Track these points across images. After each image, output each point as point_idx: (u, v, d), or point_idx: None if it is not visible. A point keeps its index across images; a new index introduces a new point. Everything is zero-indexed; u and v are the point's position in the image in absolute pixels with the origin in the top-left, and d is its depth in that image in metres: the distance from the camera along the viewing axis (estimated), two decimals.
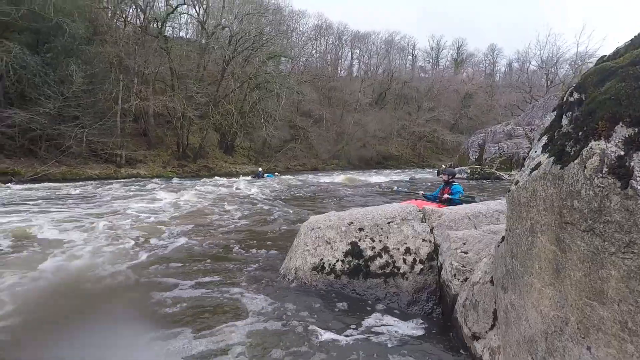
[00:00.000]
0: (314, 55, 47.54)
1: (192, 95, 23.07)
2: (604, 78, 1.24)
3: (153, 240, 4.82)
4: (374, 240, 3.14)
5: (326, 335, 2.32)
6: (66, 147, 17.19)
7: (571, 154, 1.23)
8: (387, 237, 3.15)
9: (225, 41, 26.12)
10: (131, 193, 11.22)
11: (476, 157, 23.97)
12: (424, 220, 3.32)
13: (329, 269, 3.09)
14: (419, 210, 3.44)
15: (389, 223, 3.24)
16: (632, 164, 1.02)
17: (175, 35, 29.63)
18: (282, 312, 2.66)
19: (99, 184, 14.68)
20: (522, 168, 1.58)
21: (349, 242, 3.17)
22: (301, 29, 44.11)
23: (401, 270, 2.97)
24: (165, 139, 24.31)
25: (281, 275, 3.33)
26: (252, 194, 11.27)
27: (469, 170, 19.74)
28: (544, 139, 1.48)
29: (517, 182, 1.56)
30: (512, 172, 18.91)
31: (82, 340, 2.23)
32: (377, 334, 2.37)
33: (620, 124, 1.09)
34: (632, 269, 0.99)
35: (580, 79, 1.40)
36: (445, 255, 2.76)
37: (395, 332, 2.41)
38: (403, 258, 3.02)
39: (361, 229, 3.23)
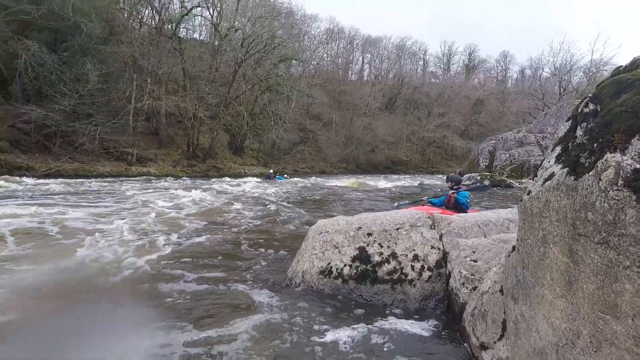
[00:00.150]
0: (325, 58, 47.79)
1: (203, 96, 23.37)
2: (620, 90, 1.23)
3: (173, 236, 5.07)
4: (382, 246, 3.13)
5: (330, 338, 2.32)
6: (79, 144, 17.56)
7: (586, 165, 1.22)
8: (396, 243, 3.14)
9: (238, 43, 26.39)
10: (150, 190, 11.62)
11: (486, 164, 23.69)
12: (433, 227, 3.30)
13: (336, 274, 3.09)
14: (428, 217, 3.42)
15: (397, 229, 3.23)
16: None
17: (188, 37, 30.12)
18: (287, 313, 2.67)
19: (113, 180, 14.95)
20: (535, 178, 1.57)
21: (357, 247, 3.16)
22: (313, 32, 44.58)
23: (409, 277, 2.96)
24: (176, 138, 24.62)
25: (288, 277, 3.35)
26: (263, 195, 11.38)
27: (478, 177, 19.52)
28: (558, 149, 1.47)
29: (530, 192, 1.55)
30: (523, 180, 18.65)
31: (86, 327, 2.36)
32: (383, 340, 2.36)
33: (637, 136, 1.08)
34: None
35: (595, 90, 1.39)
36: (454, 263, 2.74)
37: (402, 338, 2.40)
38: (411, 265, 3.01)
39: (369, 234, 3.22)
